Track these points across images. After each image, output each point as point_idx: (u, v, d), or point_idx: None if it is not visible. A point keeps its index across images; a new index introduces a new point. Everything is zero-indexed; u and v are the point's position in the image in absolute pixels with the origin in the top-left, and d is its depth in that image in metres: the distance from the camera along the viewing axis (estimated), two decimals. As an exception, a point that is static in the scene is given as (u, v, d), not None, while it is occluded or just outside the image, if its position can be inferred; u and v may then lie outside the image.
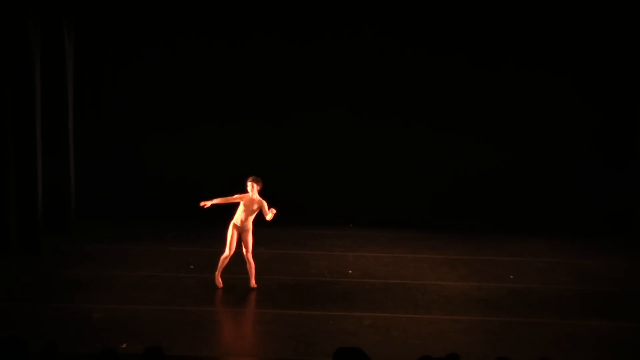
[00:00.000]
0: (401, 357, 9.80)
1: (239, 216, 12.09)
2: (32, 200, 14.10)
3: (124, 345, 9.79)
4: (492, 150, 17.16)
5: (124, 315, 11.10)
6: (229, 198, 12.13)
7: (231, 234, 12.08)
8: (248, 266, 12.22)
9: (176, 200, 16.99)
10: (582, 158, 17.07)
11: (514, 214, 17.11)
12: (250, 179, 12.12)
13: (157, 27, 16.92)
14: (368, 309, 11.72)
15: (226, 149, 17.19)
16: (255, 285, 12.29)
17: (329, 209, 17.24)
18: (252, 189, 12.06)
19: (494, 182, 17.13)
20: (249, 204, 12.07)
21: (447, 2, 16.91)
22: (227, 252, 12.10)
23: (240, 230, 12.09)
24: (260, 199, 12.12)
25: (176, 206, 16.98)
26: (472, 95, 17.10)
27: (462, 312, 11.68)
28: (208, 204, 12.14)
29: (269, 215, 12.00)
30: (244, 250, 12.14)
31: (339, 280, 13.18)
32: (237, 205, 12.19)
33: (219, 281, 12.23)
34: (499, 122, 17.12)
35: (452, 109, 17.14)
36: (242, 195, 12.12)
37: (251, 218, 12.10)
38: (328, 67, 17.10)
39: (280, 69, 17.14)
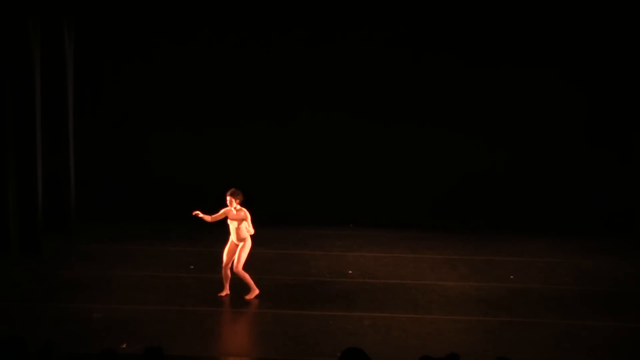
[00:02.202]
0: (401, 357, 9.81)
1: (230, 230, 11.90)
2: (32, 200, 14.11)
3: (124, 345, 9.80)
4: (492, 150, 17.16)
5: (124, 315, 11.11)
6: (215, 216, 11.82)
7: (227, 246, 11.89)
8: (241, 277, 11.96)
9: (176, 200, 16.99)
10: (582, 158, 17.07)
11: (514, 214, 17.10)
12: (228, 193, 11.74)
13: (158, 27, 16.90)
14: (368, 309, 11.72)
15: (227, 149, 17.20)
16: (253, 297, 12.00)
17: (329, 209, 17.24)
18: (231, 203, 11.70)
19: (494, 182, 17.13)
20: (233, 217, 11.75)
21: (445, 3, 16.89)
22: (223, 262, 12.01)
23: (236, 242, 11.85)
24: (242, 211, 11.73)
25: (176, 206, 16.98)
26: (471, 96, 17.09)
27: (462, 312, 11.69)
28: (201, 215, 11.78)
29: (251, 230, 11.71)
30: (234, 262, 11.84)
31: (339, 280, 13.18)
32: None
33: (225, 288, 12.04)
34: (499, 122, 17.11)
35: (451, 110, 17.13)
36: (225, 210, 11.79)
37: (241, 230, 11.75)
38: (328, 70, 17.08)
39: (281, 71, 17.13)
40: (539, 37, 16.79)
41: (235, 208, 11.73)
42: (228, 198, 11.74)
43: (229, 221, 11.85)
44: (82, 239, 15.24)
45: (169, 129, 17.20)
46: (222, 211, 11.85)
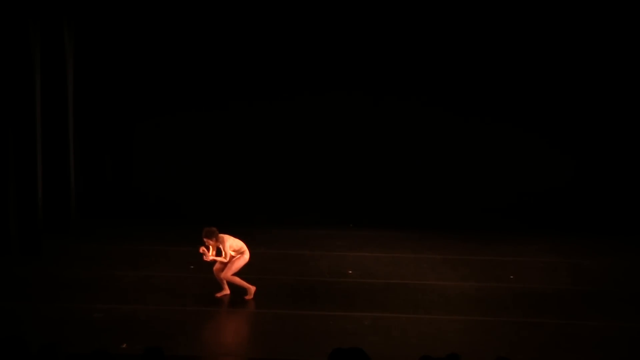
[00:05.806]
0: (401, 357, 9.81)
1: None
2: (32, 200, 14.09)
3: (124, 346, 9.80)
4: (490, 149, 17.17)
5: (124, 315, 11.11)
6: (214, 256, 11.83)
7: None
8: (231, 282, 11.94)
9: (177, 200, 17.00)
10: (581, 157, 17.09)
11: (513, 214, 17.09)
12: (203, 236, 11.59)
13: (157, 25, 16.90)
14: (368, 309, 11.72)
15: (228, 149, 17.21)
16: (252, 295, 11.98)
17: (329, 209, 17.24)
18: (209, 243, 11.62)
19: (493, 182, 17.14)
20: (226, 251, 11.69)
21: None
22: (215, 266, 11.97)
23: (233, 254, 11.74)
24: (222, 242, 11.64)
25: (176, 206, 17.00)
26: (469, 96, 17.11)
27: (462, 312, 11.69)
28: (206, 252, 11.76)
29: (221, 256, 11.71)
30: (225, 268, 11.86)
31: (339, 280, 13.18)
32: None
33: (224, 289, 12.06)
34: (498, 121, 17.13)
35: (450, 108, 17.16)
36: (212, 249, 11.82)
37: (235, 249, 11.77)
38: (327, 71, 17.11)
39: (280, 71, 17.15)
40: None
41: (216, 245, 11.66)
42: (205, 241, 11.65)
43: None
44: (82, 239, 15.24)
45: (169, 128, 17.20)
46: (213, 253, 11.79)
